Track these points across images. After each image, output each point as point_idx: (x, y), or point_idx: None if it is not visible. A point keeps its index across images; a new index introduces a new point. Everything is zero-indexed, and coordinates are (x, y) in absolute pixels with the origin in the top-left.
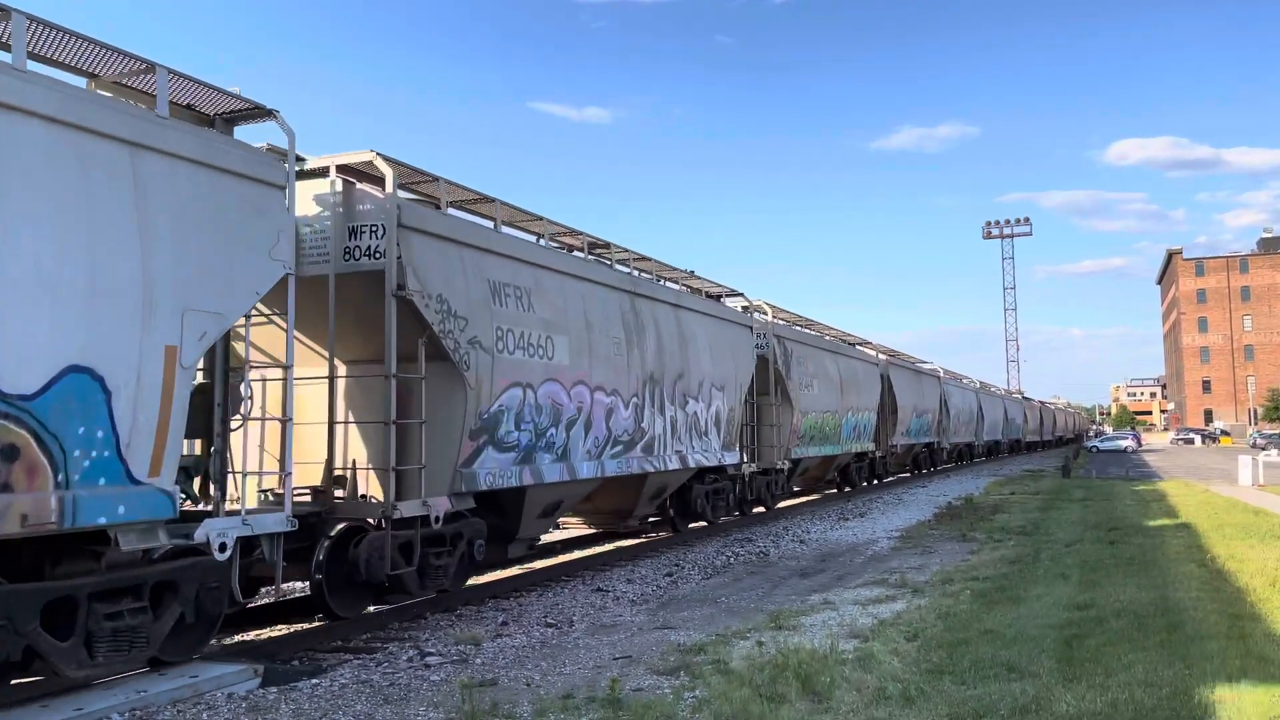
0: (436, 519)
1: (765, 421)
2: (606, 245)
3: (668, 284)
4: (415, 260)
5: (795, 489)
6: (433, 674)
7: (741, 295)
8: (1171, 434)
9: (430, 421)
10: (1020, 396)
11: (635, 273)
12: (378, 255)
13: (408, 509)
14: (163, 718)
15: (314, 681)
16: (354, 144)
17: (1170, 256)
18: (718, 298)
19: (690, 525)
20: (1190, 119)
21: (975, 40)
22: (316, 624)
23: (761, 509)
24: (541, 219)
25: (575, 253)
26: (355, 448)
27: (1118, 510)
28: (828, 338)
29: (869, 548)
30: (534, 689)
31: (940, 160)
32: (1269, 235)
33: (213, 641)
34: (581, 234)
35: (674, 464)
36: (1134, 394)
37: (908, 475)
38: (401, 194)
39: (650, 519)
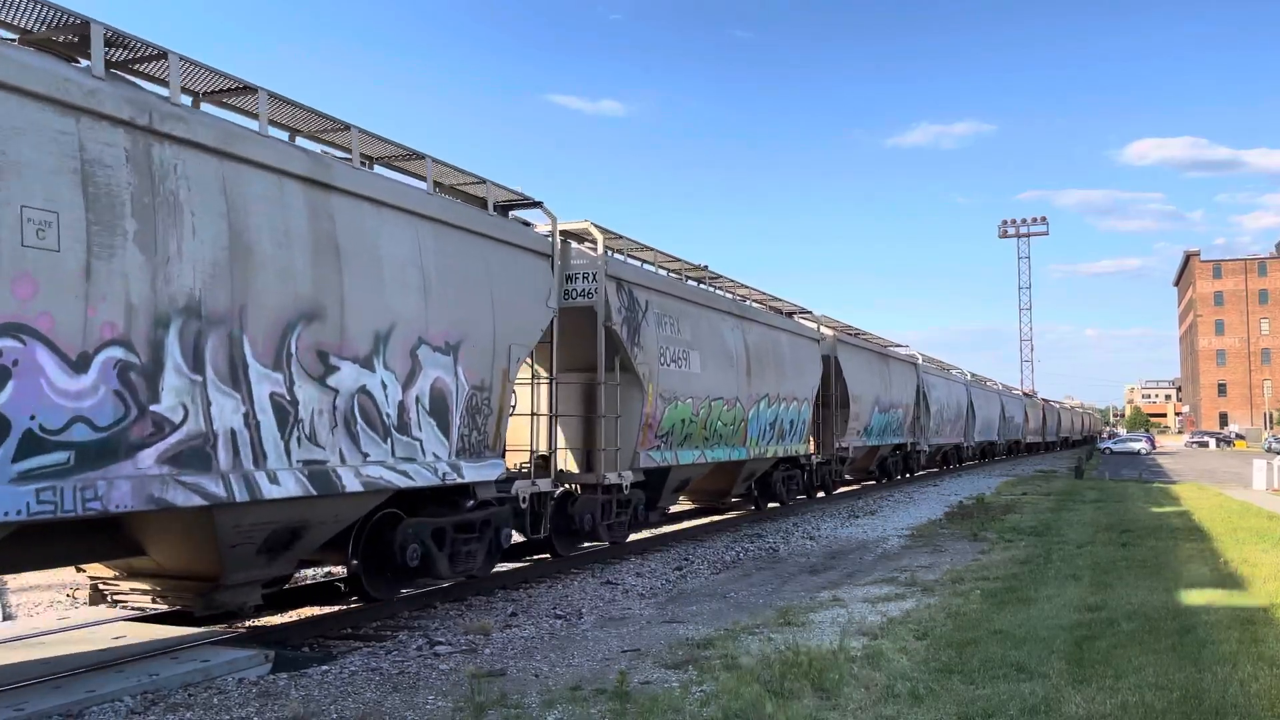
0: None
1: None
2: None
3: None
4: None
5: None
6: (442, 663)
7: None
8: (1186, 437)
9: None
10: (1021, 393)
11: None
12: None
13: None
14: (174, 700)
15: (324, 668)
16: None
17: (1188, 258)
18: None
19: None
20: (1210, 119)
21: (993, 37)
22: (329, 611)
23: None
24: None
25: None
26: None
27: (1130, 512)
28: (728, 294)
29: (879, 545)
30: (542, 680)
31: (957, 158)
32: None
33: (223, 626)
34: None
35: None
36: (1149, 396)
37: (872, 483)
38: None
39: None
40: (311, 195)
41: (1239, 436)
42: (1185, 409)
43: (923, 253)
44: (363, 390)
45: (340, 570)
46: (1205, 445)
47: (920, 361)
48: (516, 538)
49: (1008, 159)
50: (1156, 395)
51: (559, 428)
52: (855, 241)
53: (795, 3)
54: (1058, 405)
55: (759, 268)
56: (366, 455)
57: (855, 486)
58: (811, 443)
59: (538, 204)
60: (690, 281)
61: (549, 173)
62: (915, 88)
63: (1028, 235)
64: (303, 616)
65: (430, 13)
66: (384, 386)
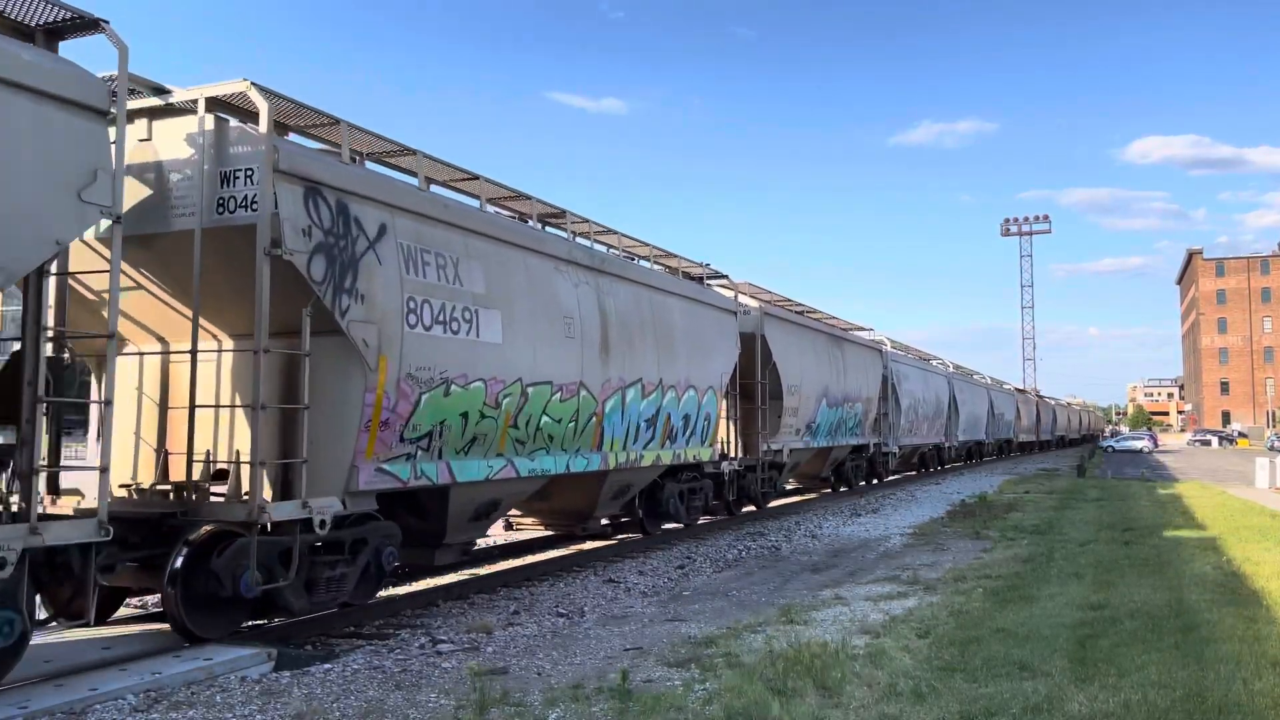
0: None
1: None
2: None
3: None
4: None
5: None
6: (444, 661)
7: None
8: (1188, 435)
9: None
10: (1014, 389)
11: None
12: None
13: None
14: (177, 699)
15: (326, 666)
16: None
17: (1190, 256)
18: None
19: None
20: (1213, 118)
21: (996, 36)
22: (331, 610)
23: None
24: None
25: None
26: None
27: (1133, 511)
28: (577, 238)
29: (881, 544)
30: (544, 678)
31: (959, 156)
32: None
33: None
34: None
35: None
36: (1151, 394)
37: (829, 492)
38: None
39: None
40: None
41: (1241, 435)
42: (1188, 407)
43: (925, 251)
44: None
45: None
46: (1208, 444)
47: (888, 348)
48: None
49: (1010, 157)
50: (1159, 394)
51: (232, 425)
52: (857, 240)
53: (797, 1)
54: (1053, 402)
55: (760, 267)
56: None
57: (800, 498)
58: (737, 445)
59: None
60: (498, 212)
61: (550, 172)
62: (918, 86)
63: (1030, 234)
64: (305, 616)
65: (430, 11)
66: None
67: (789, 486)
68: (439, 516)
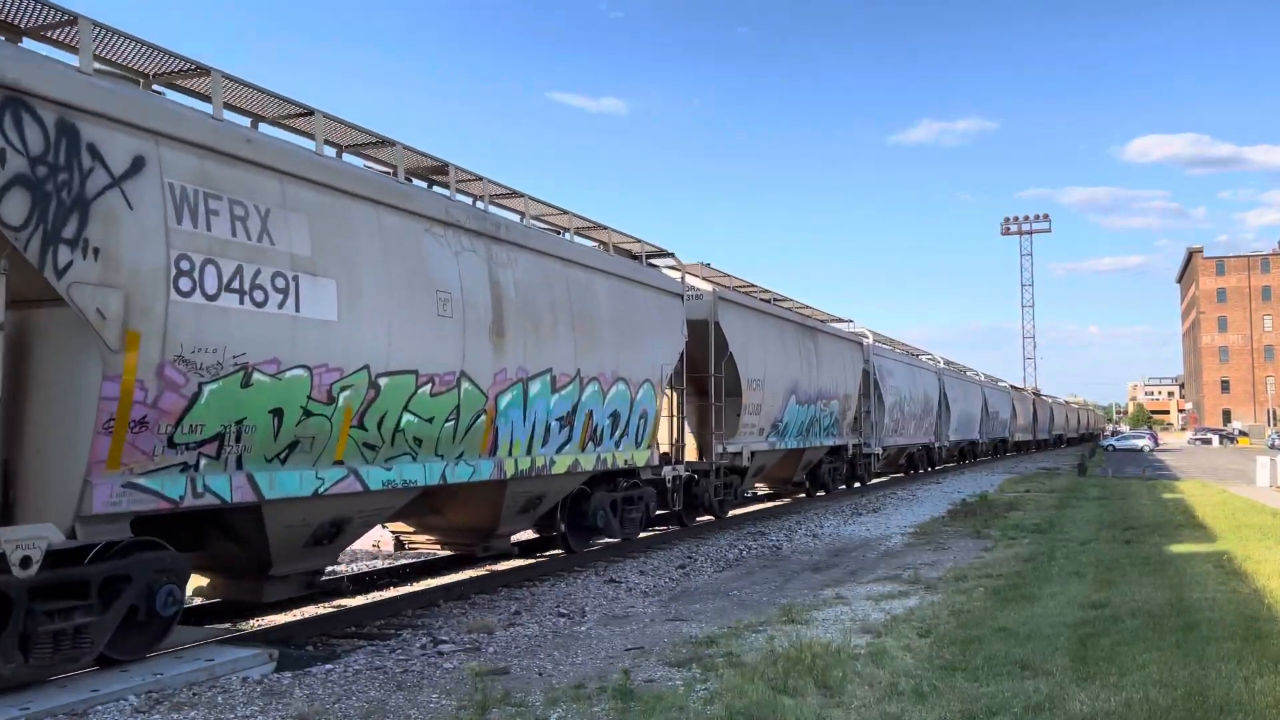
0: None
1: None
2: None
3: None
4: None
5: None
6: (445, 661)
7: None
8: (1189, 434)
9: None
10: (1009, 387)
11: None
12: None
13: None
14: (178, 700)
15: (328, 667)
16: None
17: (1191, 255)
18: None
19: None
20: (1212, 116)
21: (995, 35)
22: (332, 609)
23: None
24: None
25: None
26: None
27: (1133, 509)
28: (458, 196)
29: (882, 543)
30: (546, 678)
31: (959, 155)
32: None
33: (227, 625)
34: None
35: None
36: (1151, 393)
37: (804, 497)
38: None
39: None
40: None
41: (1242, 433)
42: (1188, 406)
43: (925, 250)
44: None
45: None
46: (1208, 442)
47: (870, 341)
48: None
49: (1010, 156)
50: (1159, 392)
51: None
52: (857, 239)
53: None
54: (1050, 400)
55: (761, 266)
56: None
57: (761, 505)
58: (682, 447)
59: None
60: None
61: (550, 172)
62: (917, 85)
63: (1030, 233)
64: (306, 615)
65: (430, 10)
66: None
67: (761, 491)
68: (259, 543)
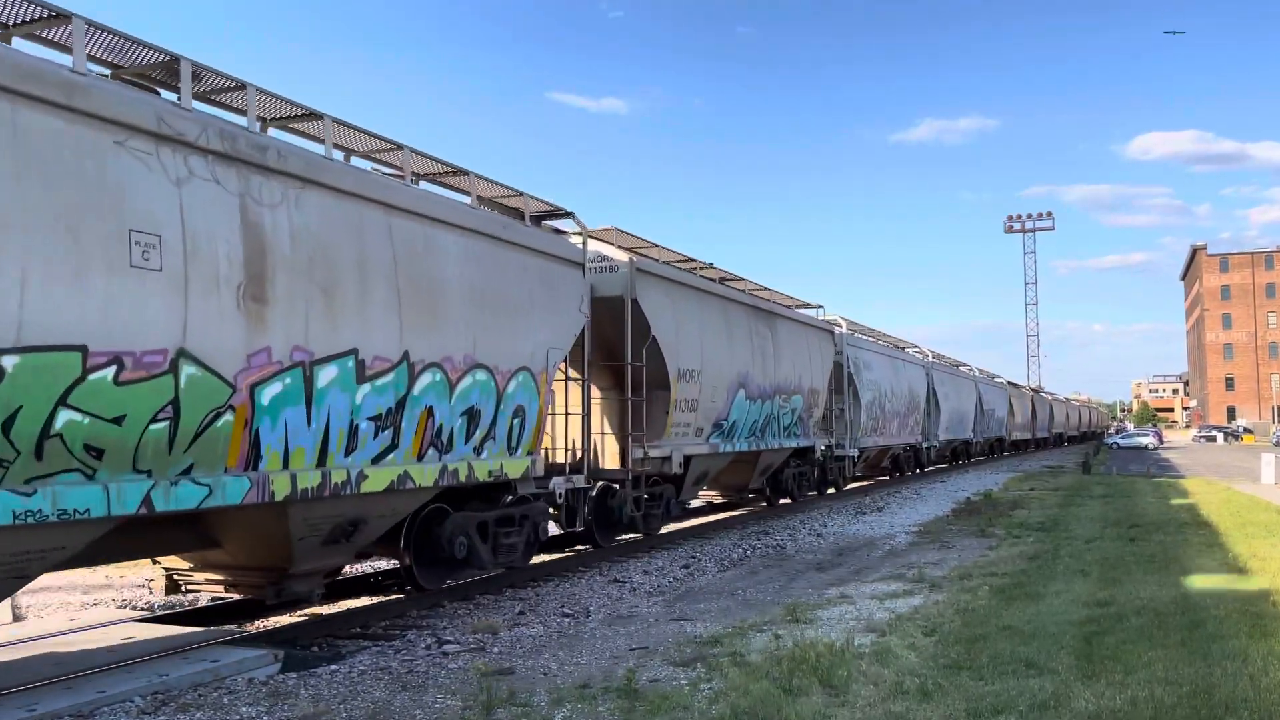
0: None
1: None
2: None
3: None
4: None
5: None
6: (450, 662)
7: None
8: (1193, 431)
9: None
10: (1006, 383)
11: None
12: None
13: None
14: (184, 700)
15: (333, 667)
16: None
17: (1194, 252)
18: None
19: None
20: (1215, 113)
21: (996, 32)
22: (337, 610)
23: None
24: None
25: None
26: None
27: (1138, 507)
28: (208, 105)
29: (886, 542)
30: (551, 678)
31: (961, 154)
32: None
33: (232, 625)
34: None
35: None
36: (1156, 390)
37: (766, 506)
38: None
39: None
40: None
41: (1247, 430)
42: (1193, 403)
43: (928, 249)
44: None
45: None
46: (1213, 439)
47: (843, 330)
48: None
49: (1012, 154)
50: (1164, 390)
51: None
52: (860, 238)
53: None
54: (1049, 397)
55: (761, 266)
56: None
57: (701, 520)
58: (608, 452)
59: None
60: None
61: (550, 171)
62: (919, 83)
63: (1033, 231)
64: (311, 616)
65: (430, 9)
66: None
67: (716, 500)
68: None
